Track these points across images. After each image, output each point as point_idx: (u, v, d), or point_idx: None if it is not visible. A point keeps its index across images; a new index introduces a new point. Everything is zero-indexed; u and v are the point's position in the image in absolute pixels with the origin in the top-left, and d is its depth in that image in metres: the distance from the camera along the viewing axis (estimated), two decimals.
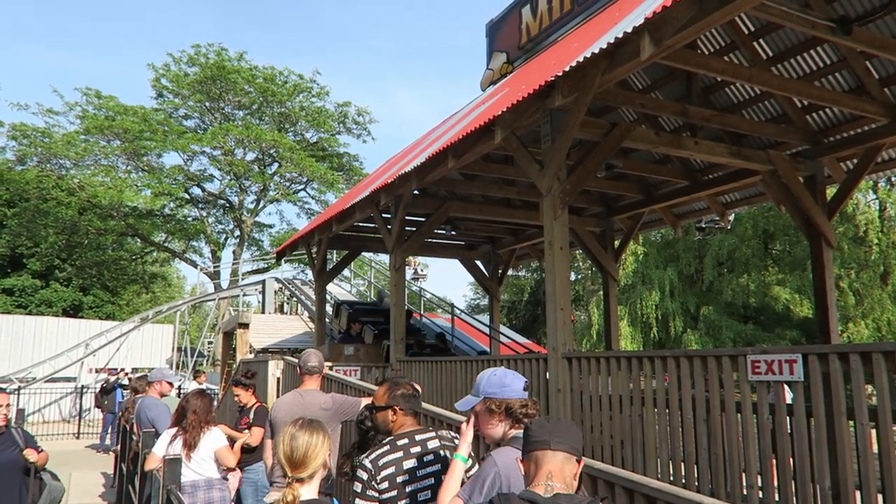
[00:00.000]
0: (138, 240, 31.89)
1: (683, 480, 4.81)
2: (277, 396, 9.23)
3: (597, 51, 4.76)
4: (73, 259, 30.42)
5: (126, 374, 19.32)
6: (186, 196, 31.01)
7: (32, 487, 4.83)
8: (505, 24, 10.65)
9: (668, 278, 25.07)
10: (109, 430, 16.03)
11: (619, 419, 5.31)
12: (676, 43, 5.02)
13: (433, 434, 3.32)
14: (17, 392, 20.40)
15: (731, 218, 11.15)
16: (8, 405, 4.77)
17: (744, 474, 4.43)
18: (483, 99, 9.24)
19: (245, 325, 16.06)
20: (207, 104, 30.70)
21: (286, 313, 21.06)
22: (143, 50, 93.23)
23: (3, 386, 19.67)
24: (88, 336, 25.06)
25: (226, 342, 19.55)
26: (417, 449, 3.19)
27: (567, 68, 4.95)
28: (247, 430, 6.07)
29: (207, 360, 29.81)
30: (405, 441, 3.22)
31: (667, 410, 4.96)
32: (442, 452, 3.22)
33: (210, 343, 30.41)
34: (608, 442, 5.37)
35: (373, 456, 3.17)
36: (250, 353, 15.55)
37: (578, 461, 2.05)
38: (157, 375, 6.78)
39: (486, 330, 14.46)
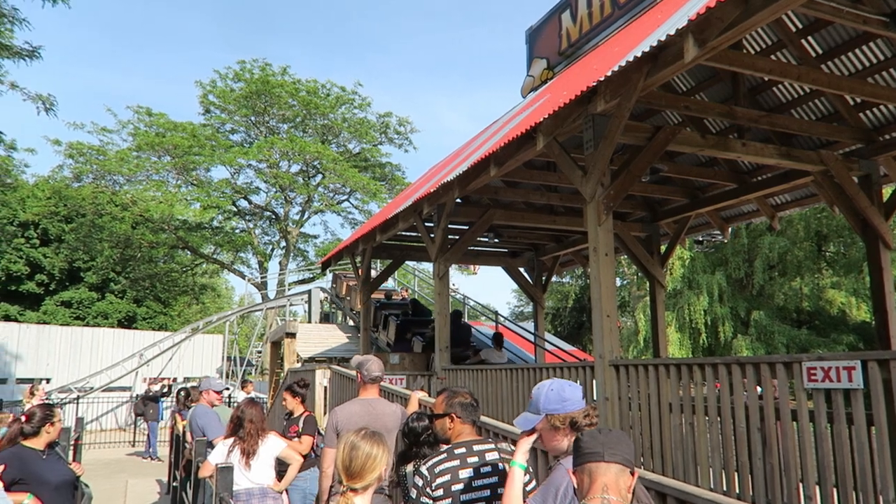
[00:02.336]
0: (188, 252, 32.71)
1: (738, 491, 4.69)
2: (325, 405, 9.33)
3: (639, 54, 4.71)
4: (128, 272, 31.38)
5: (167, 383, 19.88)
6: (234, 209, 31.71)
7: (77, 498, 4.99)
8: (545, 31, 10.62)
9: (716, 283, 24.54)
10: (146, 437, 16.59)
11: (669, 428, 5.20)
12: (721, 44, 4.92)
13: (492, 446, 3.31)
14: (76, 401, 21.12)
15: (778, 219, 10.83)
16: (59, 420, 4.89)
17: (801, 485, 4.29)
18: (524, 106, 9.22)
19: (292, 335, 16.28)
20: (253, 118, 31.38)
21: (331, 322, 21.30)
22: (190, 68, 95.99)
23: (56, 399, 20.38)
24: (142, 346, 25.79)
25: (273, 352, 19.87)
26: (475, 459, 3.19)
27: (609, 73, 4.91)
28: (296, 438, 6.15)
29: (256, 370, 30.35)
30: (462, 450, 3.22)
31: (718, 419, 4.84)
32: (500, 465, 3.20)
33: (258, 352, 30.96)
34: (658, 451, 5.26)
35: (429, 463, 3.19)
36: (297, 362, 15.76)
37: (632, 473, 2.02)
38: (206, 385, 6.93)
39: (531, 337, 14.36)
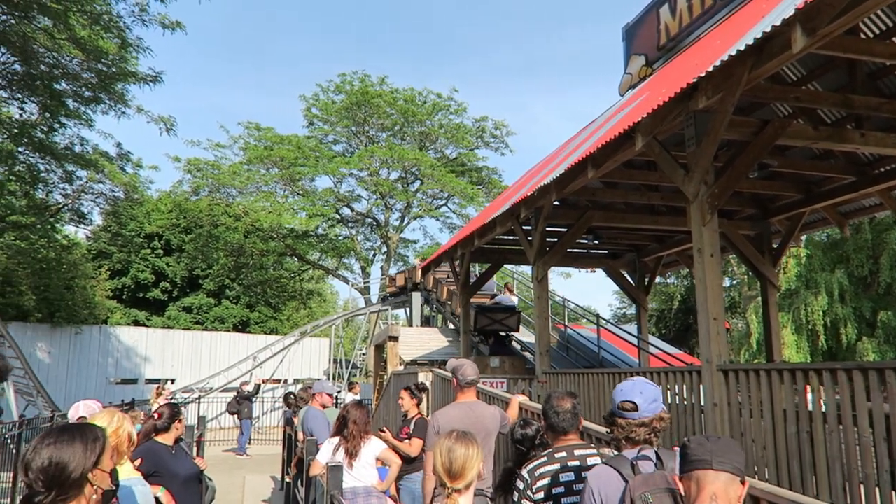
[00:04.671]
0: (296, 259, 34.16)
1: None
2: (428, 407, 9.50)
3: (742, 47, 4.53)
4: (241, 279, 33.16)
5: (258, 382, 20.94)
6: (337, 216, 32.84)
7: (202, 491, 5.35)
8: (642, 26, 10.38)
9: (836, 281, 22.97)
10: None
11: (783, 436, 4.96)
12: (833, 31, 4.66)
13: (594, 451, 3.32)
14: (197, 401, 22.54)
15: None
16: (181, 420, 5.25)
17: None
18: (622, 104, 9.05)
19: (395, 338, 16.68)
20: (353, 128, 32.43)
21: (432, 326, 21.65)
22: (295, 83, 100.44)
23: (179, 399, 21.80)
24: (255, 349, 27.22)
25: (377, 355, 20.41)
26: (576, 463, 3.21)
27: (710, 68, 4.76)
28: (407, 440, 6.30)
29: (360, 372, 31.26)
30: (563, 454, 3.25)
31: (840, 427, 4.57)
32: None
33: (362, 355, 31.91)
34: (771, 460, 5.03)
35: (530, 466, 3.25)
36: (400, 365, 16.12)
37: (742, 483, 1.97)
38: (319, 388, 7.21)
39: (634, 340, 14.02)
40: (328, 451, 5.62)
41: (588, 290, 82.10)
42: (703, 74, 4.89)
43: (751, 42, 4.48)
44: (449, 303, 18.61)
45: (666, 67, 8.97)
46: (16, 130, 19.82)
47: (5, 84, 18.57)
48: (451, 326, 18.70)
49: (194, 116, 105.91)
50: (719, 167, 6.37)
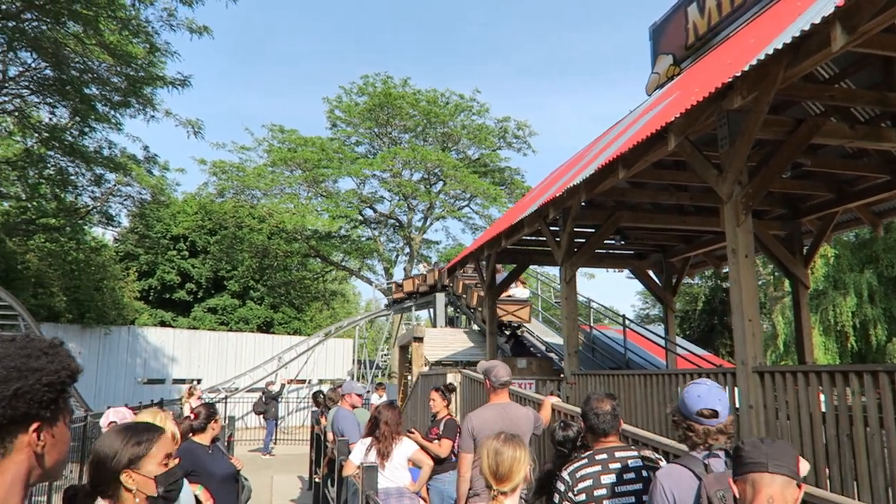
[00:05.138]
0: (319, 260, 34.38)
1: None
2: (457, 408, 9.52)
3: (780, 46, 4.49)
4: (265, 280, 33.46)
5: (283, 382, 21.22)
6: (360, 217, 33.00)
7: (238, 490, 5.41)
8: (669, 25, 10.30)
9: (865, 282, 22.58)
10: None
11: (821, 439, 4.90)
12: (872, 28, 4.60)
13: (635, 453, 3.32)
14: (224, 401, 22.78)
15: None
16: (217, 420, 5.31)
17: None
18: (650, 104, 8.99)
19: (420, 339, 16.71)
20: (376, 130, 32.56)
21: (456, 327, 21.66)
22: (320, 86, 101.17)
23: (207, 398, 22.07)
24: (280, 350, 27.43)
25: (402, 355, 20.46)
26: (617, 465, 3.21)
27: (746, 67, 4.71)
28: (436, 441, 6.32)
29: (383, 373, 31.36)
30: (604, 456, 3.25)
31: (882, 431, 4.50)
32: (644, 472, 3.20)
33: (385, 355, 32.01)
34: (811, 464, 4.97)
35: (570, 468, 3.25)
36: (425, 365, 16.15)
37: (799, 486, 1.96)
38: (348, 388, 7.26)
39: (661, 341, 13.90)
40: (361, 452, 5.66)
41: (610, 290, 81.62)
42: (738, 74, 4.84)
43: (788, 40, 4.43)
44: (464, 296, 18.61)
45: (695, 66, 8.90)
46: (46, 134, 20.20)
47: (37, 89, 18.93)
48: (476, 327, 18.69)
49: (216, 119, 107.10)
50: (752, 167, 6.31)
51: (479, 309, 18.50)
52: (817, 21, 4.18)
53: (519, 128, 32.59)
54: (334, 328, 29.14)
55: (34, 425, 1.35)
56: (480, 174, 31.75)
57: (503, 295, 13.68)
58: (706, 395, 2.64)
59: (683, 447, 3.85)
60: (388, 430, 5.57)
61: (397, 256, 35.09)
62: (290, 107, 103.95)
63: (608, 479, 3.22)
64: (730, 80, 4.99)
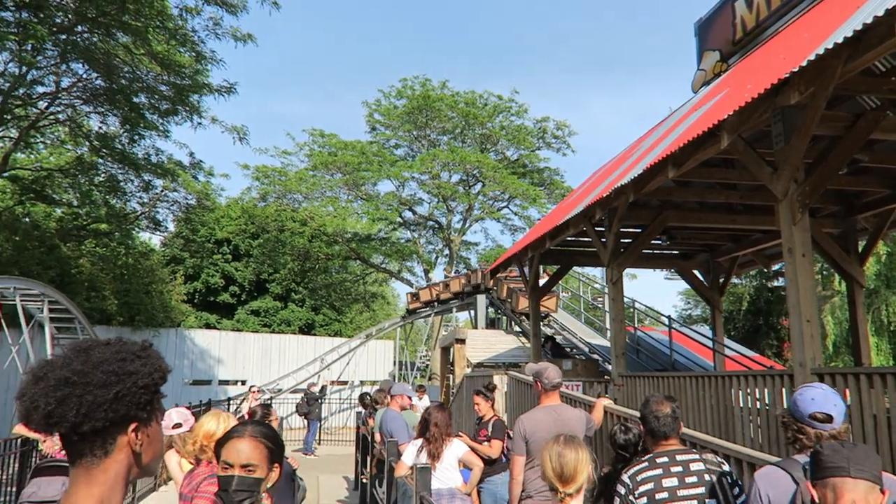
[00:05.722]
0: (359, 262, 34.69)
1: None
2: (505, 410, 9.51)
3: (840, 40, 4.38)
4: (306, 282, 33.90)
5: (325, 384, 21.48)
6: (400, 220, 33.19)
7: (294, 490, 5.48)
8: (716, 21, 10.14)
9: None
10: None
11: (887, 442, 4.76)
12: None
13: (696, 456, 3.27)
14: (269, 402, 23.14)
15: None
16: (276, 419, 5.39)
17: None
18: (697, 102, 8.85)
19: (462, 341, 16.73)
20: (415, 132, 32.71)
21: (498, 328, 21.62)
22: (356, 89, 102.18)
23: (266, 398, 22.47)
24: (322, 352, 27.75)
25: (443, 357, 20.51)
26: (678, 469, 3.17)
27: (804, 62, 4.61)
28: (486, 443, 6.31)
29: (422, 374, 31.46)
30: (665, 459, 3.21)
31: None
32: (707, 476, 3.15)
33: (424, 357, 32.13)
34: None
35: (631, 472, 3.22)
36: (468, 367, 16.16)
37: (883, 491, 1.92)
38: (399, 390, 7.30)
39: (707, 342, 13.65)
40: (412, 453, 5.68)
41: (649, 291, 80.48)
42: (795, 69, 4.74)
43: (849, 34, 4.32)
44: (509, 300, 18.59)
45: (744, 62, 8.73)
46: (97, 143, 20.83)
47: (88, 98, 19.54)
48: (518, 329, 18.63)
49: (257, 124, 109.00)
50: (808, 164, 6.17)
51: (510, 300, 18.51)
52: (881, 13, 4.07)
53: (558, 128, 32.39)
54: (375, 330, 29.36)
55: (132, 426, 1.41)
56: (519, 175, 31.63)
57: (512, 275, 13.66)
58: (821, 398, 2.59)
59: (748, 451, 3.79)
60: (438, 432, 5.59)
61: (437, 258, 35.19)
62: (331, 111, 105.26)
63: (670, 482, 3.18)
64: (786, 75, 4.89)
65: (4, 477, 7.65)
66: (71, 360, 1.36)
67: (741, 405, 6.58)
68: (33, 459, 7.09)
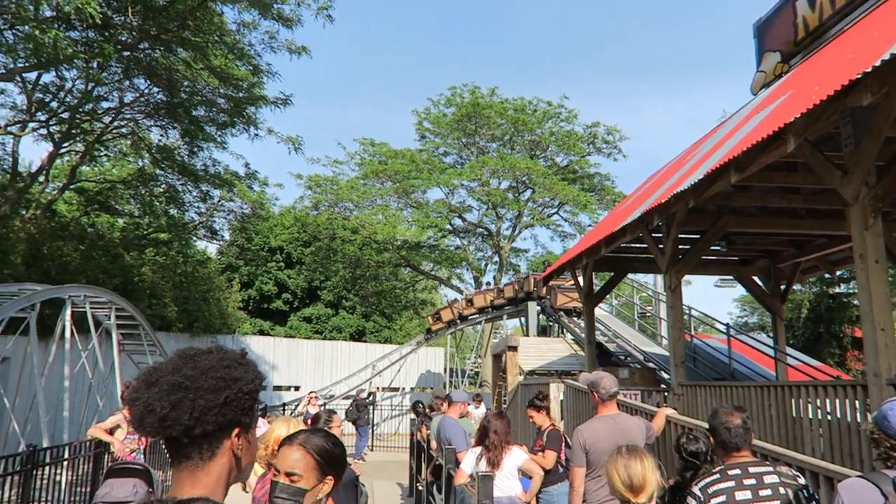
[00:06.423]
0: (409, 270, 34.94)
1: None
2: (561, 419, 9.43)
3: None
4: (357, 290, 34.32)
5: (374, 390, 21.65)
6: (449, 227, 33.31)
7: (357, 496, 5.54)
8: (776, 21, 9.89)
9: None
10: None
11: None
12: None
13: (770, 468, 3.19)
14: (322, 407, 23.48)
15: None
16: (339, 425, 5.44)
17: None
18: (758, 104, 8.64)
19: (514, 348, 16.66)
20: (464, 140, 32.80)
21: (549, 335, 21.45)
22: (409, 99, 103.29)
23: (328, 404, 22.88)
24: (374, 358, 28.01)
25: (495, 364, 20.45)
26: (752, 481, 3.10)
27: (878, 62, 4.46)
28: (540, 453, 6.26)
29: (472, 381, 31.45)
30: (737, 472, 3.14)
31: None
32: (782, 490, 3.07)
33: (474, 363, 32.10)
34: None
35: (702, 484, 3.16)
36: (520, 375, 16.08)
37: None
38: (457, 397, 7.29)
39: (769, 351, 13.26)
40: (471, 461, 5.68)
41: (701, 297, 78.64)
42: (868, 69, 4.59)
43: None
44: (548, 298, 18.53)
45: (807, 63, 8.49)
46: (157, 155, 21.58)
47: (150, 112, 20.27)
48: (570, 337, 18.45)
49: (310, 133, 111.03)
50: (879, 167, 5.96)
51: (554, 303, 18.43)
52: None
53: (609, 132, 32.01)
54: (425, 336, 29.50)
55: (236, 430, 1.46)
56: (569, 181, 31.36)
57: (568, 283, 13.74)
58: None
59: (825, 463, 3.68)
60: (497, 440, 5.56)
61: (486, 265, 35.17)
62: (381, 120, 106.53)
63: (743, 495, 3.11)
64: (858, 76, 4.74)
65: (76, 477, 7.97)
66: (180, 366, 1.42)
67: (809, 416, 6.37)
68: (105, 461, 7.35)
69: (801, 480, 3.22)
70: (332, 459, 2.12)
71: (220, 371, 1.44)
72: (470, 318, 25.38)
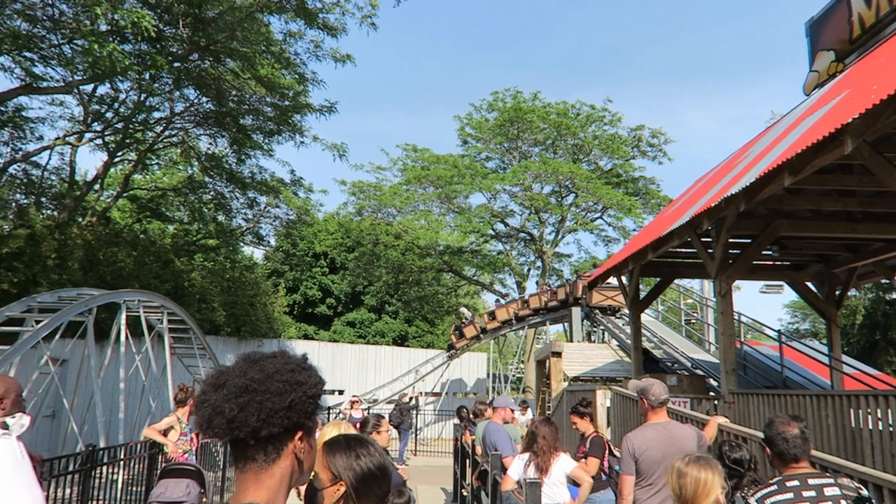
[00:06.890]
0: (452, 275, 34.99)
1: None
2: (609, 426, 9.31)
3: None
4: (400, 295, 34.54)
5: (416, 395, 21.74)
6: (492, 232, 33.26)
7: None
8: (830, 20, 9.63)
9: None
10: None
11: None
12: None
13: (831, 480, 3.09)
14: (367, 411, 23.68)
15: None
16: (387, 431, 5.46)
17: None
18: (812, 105, 8.41)
19: (558, 354, 16.51)
20: (506, 145, 32.73)
21: (594, 341, 21.21)
22: (451, 104, 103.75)
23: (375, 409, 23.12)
24: (416, 363, 28.11)
25: (539, 370, 20.31)
26: (811, 493, 3.01)
27: None
28: (583, 459, 6.18)
29: (514, 387, 31.25)
30: (796, 483, 3.05)
31: None
32: (843, 502, 2.97)
33: (516, 369, 31.90)
34: None
35: (759, 495, 3.09)
36: (564, 380, 15.93)
37: None
38: (502, 403, 7.27)
39: (823, 359, 12.85)
40: (518, 467, 5.64)
41: (748, 303, 76.69)
42: None
43: None
44: (584, 297, 18.40)
45: (864, 61, 8.24)
46: (206, 163, 22.12)
47: (199, 121, 20.80)
48: (615, 342, 18.21)
49: (353, 139, 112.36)
50: None
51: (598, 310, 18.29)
52: None
53: (654, 136, 31.51)
54: (469, 341, 29.48)
55: (299, 433, 1.49)
56: (613, 185, 30.97)
57: (604, 282, 13.80)
58: None
59: (888, 476, 3.55)
60: (545, 445, 5.51)
61: (529, 270, 34.98)
62: (423, 126, 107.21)
63: None
64: None
65: (131, 476, 8.20)
66: (247, 369, 1.45)
67: (869, 427, 6.16)
68: (159, 462, 7.55)
69: (864, 493, 3.11)
70: (351, 477, 1.98)
71: (285, 375, 1.47)
72: (491, 331, 25.68)
